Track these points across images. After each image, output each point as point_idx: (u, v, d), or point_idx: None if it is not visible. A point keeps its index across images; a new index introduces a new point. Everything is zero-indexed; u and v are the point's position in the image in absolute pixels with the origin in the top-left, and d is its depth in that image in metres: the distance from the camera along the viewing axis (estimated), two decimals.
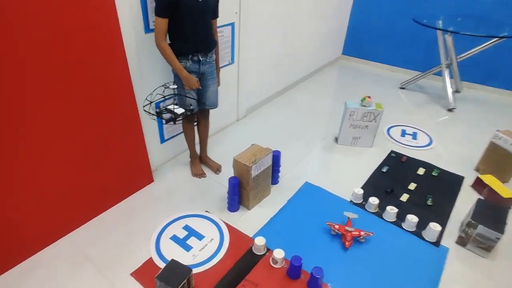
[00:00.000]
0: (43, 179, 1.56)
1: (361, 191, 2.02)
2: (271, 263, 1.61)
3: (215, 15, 1.87)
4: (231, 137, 2.68)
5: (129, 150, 1.91)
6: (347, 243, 1.69)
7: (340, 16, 3.99)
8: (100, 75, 1.60)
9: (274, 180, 2.16)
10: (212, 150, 2.44)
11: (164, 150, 2.28)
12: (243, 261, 1.63)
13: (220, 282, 1.52)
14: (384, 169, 2.34)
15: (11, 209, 1.49)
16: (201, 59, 1.83)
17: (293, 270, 1.53)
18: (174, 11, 1.62)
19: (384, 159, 2.44)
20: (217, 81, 2.02)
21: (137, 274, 1.55)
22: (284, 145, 2.49)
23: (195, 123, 2.15)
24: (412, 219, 1.82)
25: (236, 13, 2.38)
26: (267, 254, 1.66)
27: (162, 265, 1.59)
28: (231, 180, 1.83)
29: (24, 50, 1.30)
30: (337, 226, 1.76)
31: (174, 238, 1.75)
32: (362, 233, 1.73)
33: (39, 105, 1.42)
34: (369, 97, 2.38)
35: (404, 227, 1.84)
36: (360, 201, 2.03)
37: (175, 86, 1.77)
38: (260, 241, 1.66)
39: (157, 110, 1.79)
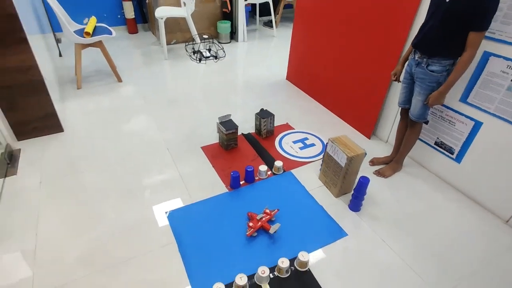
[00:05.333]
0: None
1: None
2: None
3: (473, 27, 1.54)
4: None
5: (369, 100, 2.53)
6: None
7: None
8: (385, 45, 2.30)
9: (355, 206, 1.96)
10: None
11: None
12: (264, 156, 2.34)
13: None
14: None
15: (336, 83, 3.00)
16: (417, 58, 1.80)
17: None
18: None
19: None
20: (430, 97, 1.80)
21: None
22: None
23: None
24: None
25: None
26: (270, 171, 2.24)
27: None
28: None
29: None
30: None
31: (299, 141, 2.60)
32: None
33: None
34: None
35: None
36: None
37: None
38: (278, 163, 2.21)
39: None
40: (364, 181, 1.85)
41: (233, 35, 4.70)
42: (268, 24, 5.31)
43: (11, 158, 2.24)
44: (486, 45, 1.75)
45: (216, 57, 3.88)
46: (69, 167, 2.23)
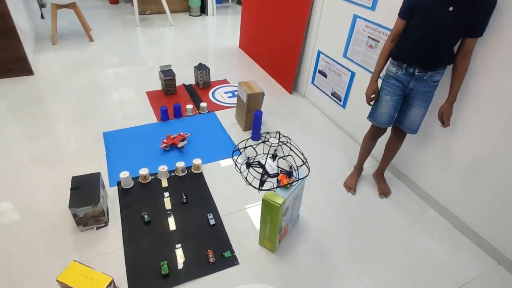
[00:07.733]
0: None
1: None
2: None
3: (475, 33, 1.46)
4: None
5: (289, 54, 3.01)
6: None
7: None
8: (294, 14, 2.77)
9: (254, 135, 2.46)
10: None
11: (312, 90, 2.93)
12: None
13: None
14: None
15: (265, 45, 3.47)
16: (417, 73, 1.60)
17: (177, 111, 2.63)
18: (412, 14, 1.53)
19: None
20: (444, 110, 1.63)
21: None
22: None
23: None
24: None
25: None
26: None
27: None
28: None
29: None
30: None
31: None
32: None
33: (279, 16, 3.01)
34: None
35: None
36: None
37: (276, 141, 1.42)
38: (203, 104, 2.70)
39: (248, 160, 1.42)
40: (258, 113, 2.35)
41: (204, 9, 5.15)
42: (240, 2, 5.74)
43: None
44: (354, 10, 2.22)
45: (290, 175, 1.54)
46: (34, 99, 2.74)
